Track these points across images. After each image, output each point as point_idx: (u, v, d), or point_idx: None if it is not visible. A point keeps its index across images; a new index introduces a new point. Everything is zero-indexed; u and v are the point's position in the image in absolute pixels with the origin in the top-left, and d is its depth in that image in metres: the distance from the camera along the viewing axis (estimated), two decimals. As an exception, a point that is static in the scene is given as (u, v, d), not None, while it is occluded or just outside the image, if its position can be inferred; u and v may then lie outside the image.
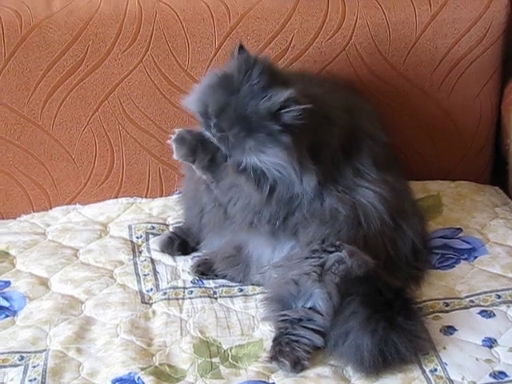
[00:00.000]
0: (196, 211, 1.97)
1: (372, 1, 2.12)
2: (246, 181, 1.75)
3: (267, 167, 1.72)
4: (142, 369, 1.65)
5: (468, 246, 1.97)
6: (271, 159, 1.71)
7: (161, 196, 2.22)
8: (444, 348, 1.67)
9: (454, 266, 1.91)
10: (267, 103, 1.69)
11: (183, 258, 1.99)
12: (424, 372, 1.62)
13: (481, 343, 1.68)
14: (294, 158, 1.71)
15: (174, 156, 1.83)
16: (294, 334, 1.68)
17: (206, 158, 1.78)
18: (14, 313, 1.83)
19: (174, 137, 1.82)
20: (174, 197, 2.17)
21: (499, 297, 1.80)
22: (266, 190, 1.75)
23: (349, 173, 1.81)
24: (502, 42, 2.16)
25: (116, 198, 2.21)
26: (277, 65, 1.95)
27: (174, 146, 1.81)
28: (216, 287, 1.89)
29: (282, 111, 1.68)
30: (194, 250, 2.00)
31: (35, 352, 1.71)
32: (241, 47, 1.78)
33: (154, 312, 1.82)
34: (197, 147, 1.79)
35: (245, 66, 1.73)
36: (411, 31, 2.13)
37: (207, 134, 1.77)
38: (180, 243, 1.99)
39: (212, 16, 2.08)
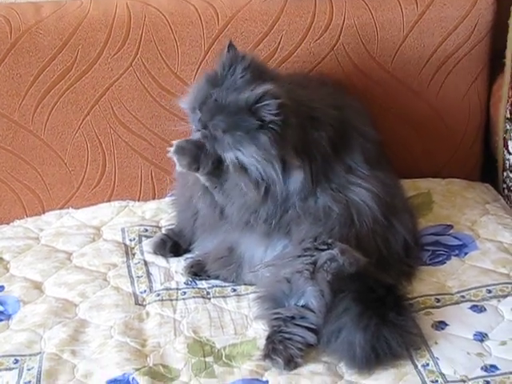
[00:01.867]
0: (189, 215, 1.98)
1: (359, 1, 2.13)
2: (238, 179, 1.76)
3: (246, 165, 1.73)
4: (137, 369, 1.65)
5: (459, 243, 1.98)
6: (249, 158, 1.72)
7: (153, 199, 2.23)
8: (436, 343, 1.68)
9: (444, 262, 1.92)
10: (245, 95, 1.70)
11: (176, 259, 1.99)
12: (416, 367, 1.63)
13: (472, 337, 1.70)
14: (273, 156, 1.71)
15: (177, 168, 1.81)
16: (286, 332, 1.69)
17: (210, 163, 1.77)
18: (9, 317, 1.83)
19: (172, 149, 1.79)
20: (167, 199, 2.17)
21: (490, 291, 1.81)
22: (262, 189, 1.76)
23: (341, 170, 1.82)
24: (489, 40, 2.17)
25: (109, 201, 2.22)
26: (266, 64, 1.95)
27: (175, 158, 1.79)
28: (209, 287, 1.90)
29: (258, 105, 1.68)
30: (187, 251, 2.01)
31: (30, 355, 1.71)
32: (230, 45, 1.79)
33: (147, 313, 1.83)
34: (198, 154, 1.77)
35: (230, 61, 1.75)
36: (398, 30, 2.14)
37: (197, 132, 1.78)
38: (172, 245, 2.00)
39: (200, 19, 2.09)
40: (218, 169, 1.78)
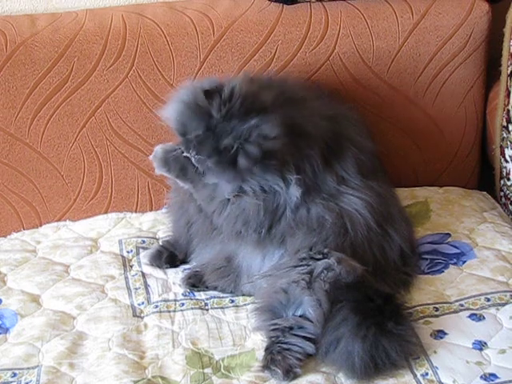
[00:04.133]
0: (183, 222, 1.98)
1: (354, 10, 2.14)
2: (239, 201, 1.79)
3: (253, 190, 1.77)
4: (135, 382, 1.65)
5: (456, 251, 1.98)
6: (255, 185, 1.76)
7: (150, 210, 2.23)
8: (435, 352, 1.68)
9: (443, 271, 1.92)
10: (240, 139, 1.72)
11: (174, 270, 1.99)
12: (415, 376, 1.63)
13: (471, 346, 1.69)
14: (276, 176, 1.75)
15: (156, 171, 1.90)
16: (285, 343, 1.68)
17: (177, 168, 1.83)
18: (6, 330, 1.83)
19: (152, 154, 1.89)
20: (164, 210, 2.17)
21: (488, 300, 1.81)
22: (261, 199, 1.78)
23: (331, 180, 1.83)
24: (484, 48, 2.17)
25: (106, 213, 2.22)
26: (251, 85, 1.86)
27: (153, 162, 1.89)
28: (207, 299, 1.89)
29: (250, 145, 1.71)
30: (183, 262, 2.01)
31: (28, 368, 1.71)
32: (207, 92, 1.77)
33: (145, 325, 1.82)
34: (168, 157, 1.84)
35: (220, 102, 1.75)
36: (394, 39, 2.15)
37: (184, 151, 1.80)
38: (168, 256, 2.00)
39: (196, 30, 2.10)
40: (189, 176, 1.83)
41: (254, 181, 1.75)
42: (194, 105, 1.78)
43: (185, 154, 1.80)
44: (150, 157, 1.89)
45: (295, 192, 1.77)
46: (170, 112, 1.84)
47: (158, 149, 1.88)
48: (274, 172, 1.75)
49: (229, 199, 1.80)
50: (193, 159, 1.78)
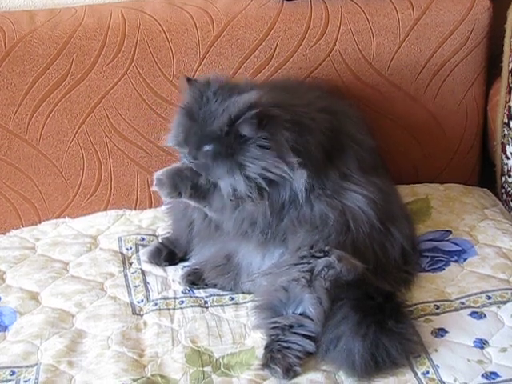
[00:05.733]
0: (185, 224, 1.97)
1: (355, 6, 2.13)
2: (244, 199, 1.77)
3: (256, 180, 1.73)
4: (134, 380, 1.64)
5: (457, 248, 1.97)
6: (254, 172, 1.72)
7: (150, 207, 2.22)
8: (435, 350, 1.67)
9: (443, 269, 1.91)
10: (223, 117, 1.71)
11: (173, 268, 1.98)
12: (416, 375, 1.62)
13: (472, 344, 1.68)
14: (274, 160, 1.71)
15: (164, 199, 1.90)
16: (285, 341, 1.68)
17: (189, 187, 1.80)
18: (5, 328, 1.82)
19: (154, 183, 1.85)
20: (163, 208, 2.16)
21: (489, 298, 1.80)
22: (266, 198, 1.76)
23: (335, 176, 1.81)
24: (485, 45, 2.17)
25: (105, 210, 2.21)
26: (234, 79, 1.95)
27: (157, 190, 1.85)
28: (207, 296, 1.88)
29: (239, 122, 1.69)
30: (182, 260, 2.00)
31: (26, 366, 1.70)
32: (188, 79, 1.81)
33: (145, 323, 1.82)
34: (175, 181, 1.81)
35: (199, 91, 1.77)
36: (395, 36, 2.14)
37: (187, 163, 1.80)
38: (167, 253, 2.00)
39: (196, 26, 2.09)
40: (201, 190, 1.80)
41: (254, 165, 1.72)
42: (181, 110, 1.80)
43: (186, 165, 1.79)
44: (154, 187, 1.85)
45: (301, 176, 1.75)
46: (168, 134, 1.86)
47: (160, 176, 1.85)
48: (274, 154, 1.72)
49: (237, 205, 1.78)
50: (193, 167, 1.77)
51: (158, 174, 1.85)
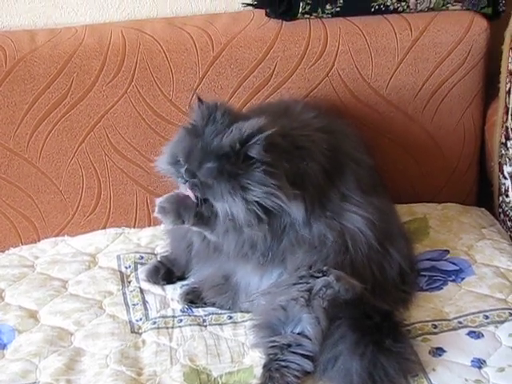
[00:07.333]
0: (184, 245, 1.97)
1: (353, 27, 2.14)
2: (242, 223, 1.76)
3: (254, 205, 1.73)
4: (133, 399, 1.65)
5: (455, 268, 1.98)
6: (255, 196, 1.72)
7: (149, 226, 2.23)
8: (433, 370, 1.67)
9: (441, 288, 1.92)
10: (229, 138, 1.71)
11: (172, 286, 1.99)
12: (414, 394, 1.62)
13: (470, 364, 1.68)
14: (274, 187, 1.72)
15: (166, 226, 1.92)
16: (283, 360, 1.68)
17: (192, 215, 1.79)
18: (4, 346, 1.82)
19: (156, 210, 1.83)
20: (162, 226, 2.16)
21: (487, 317, 1.80)
22: (265, 224, 1.76)
23: (335, 197, 1.82)
24: (483, 65, 2.18)
25: (104, 228, 2.22)
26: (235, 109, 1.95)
27: (160, 217, 1.83)
28: (205, 315, 1.89)
29: (247, 144, 1.70)
30: (180, 279, 2.00)
31: (25, 385, 1.70)
32: (199, 99, 1.81)
33: (143, 341, 1.82)
34: (179, 210, 1.80)
35: (207, 110, 1.77)
36: (393, 56, 2.15)
37: (181, 184, 1.79)
38: (165, 272, 2.00)
39: (195, 46, 2.10)
40: (204, 217, 1.79)
41: (257, 190, 1.71)
42: (184, 130, 1.81)
43: (181, 188, 1.79)
44: (157, 214, 1.82)
45: (298, 208, 1.76)
46: (161, 157, 1.86)
47: (163, 203, 1.82)
48: (276, 182, 1.72)
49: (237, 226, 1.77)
50: (187, 188, 1.76)
51: (160, 202, 1.83)
